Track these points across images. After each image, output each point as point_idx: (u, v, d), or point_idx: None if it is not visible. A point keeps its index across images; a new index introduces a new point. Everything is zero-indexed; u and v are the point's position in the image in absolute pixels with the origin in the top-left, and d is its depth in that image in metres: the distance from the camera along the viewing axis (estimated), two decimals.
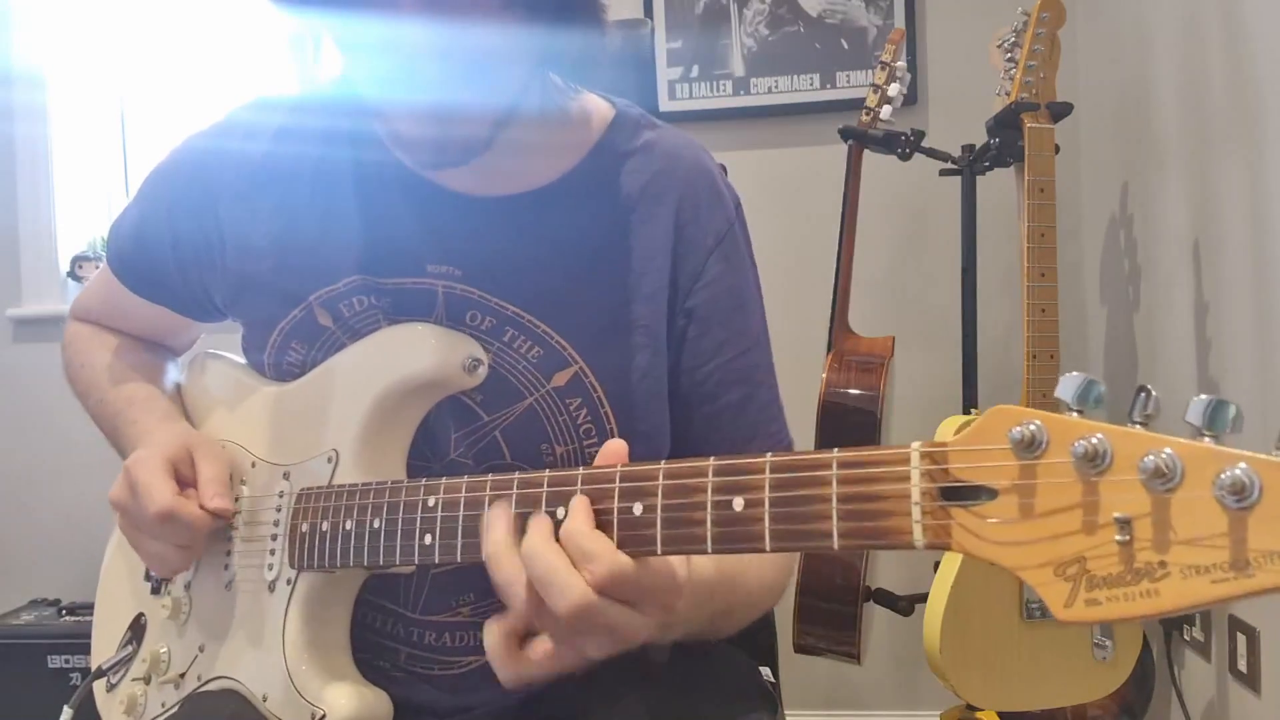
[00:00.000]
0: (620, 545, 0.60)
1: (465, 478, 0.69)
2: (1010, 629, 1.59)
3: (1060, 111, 1.70)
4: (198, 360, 0.97)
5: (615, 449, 0.64)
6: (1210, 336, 1.67)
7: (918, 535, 0.50)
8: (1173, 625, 1.83)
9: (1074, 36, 2.12)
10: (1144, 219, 1.94)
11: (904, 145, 1.92)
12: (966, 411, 1.88)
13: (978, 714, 1.74)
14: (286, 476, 0.82)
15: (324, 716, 0.74)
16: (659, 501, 0.59)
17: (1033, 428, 0.47)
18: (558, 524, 0.62)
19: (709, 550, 0.57)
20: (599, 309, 0.82)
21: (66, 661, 2.06)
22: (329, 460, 0.79)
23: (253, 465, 0.85)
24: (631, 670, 0.83)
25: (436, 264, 0.81)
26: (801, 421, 1.93)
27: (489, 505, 0.66)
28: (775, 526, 0.55)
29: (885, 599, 1.93)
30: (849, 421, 1.87)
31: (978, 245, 1.92)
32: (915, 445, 0.51)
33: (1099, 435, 0.45)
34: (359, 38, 0.75)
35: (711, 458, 0.58)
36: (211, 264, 0.88)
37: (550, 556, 0.59)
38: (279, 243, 0.84)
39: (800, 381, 2.02)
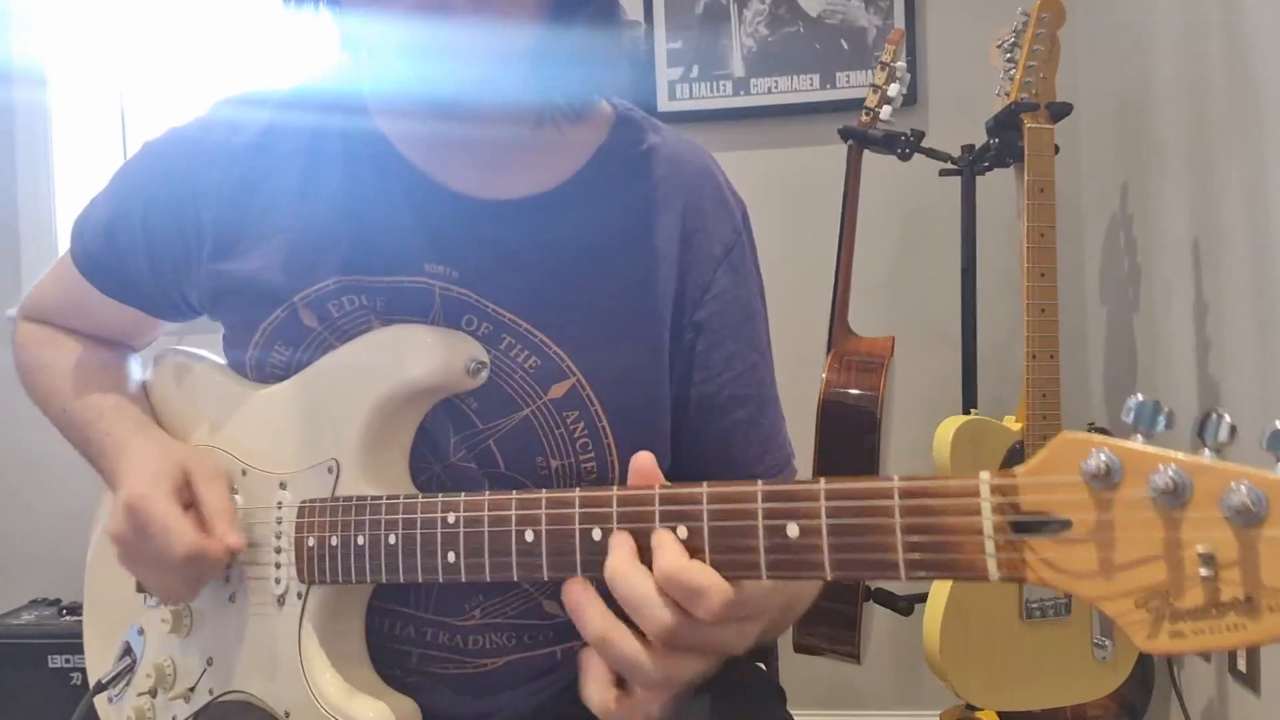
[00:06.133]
0: None
1: (486, 494, 0.67)
2: (1010, 629, 1.60)
3: (1060, 111, 1.70)
4: (166, 358, 0.93)
5: (646, 466, 0.62)
6: (1210, 337, 1.67)
7: (993, 569, 0.50)
8: None
9: (1074, 36, 2.12)
10: (1144, 219, 1.94)
11: (904, 145, 1.92)
12: (966, 412, 1.88)
13: (978, 714, 1.74)
14: (284, 486, 0.79)
15: None
16: (705, 525, 0.58)
17: (1105, 458, 0.47)
18: (594, 544, 0.60)
19: (763, 576, 0.56)
20: (600, 319, 0.80)
21: (67, 661, 2.06)
22: (330, 470, 0.76)
23: (243, 473, 0.82)
24: None
25: (434, 264, 0.79)
26: (802, 422, 1.93)
27: (515, 530, 0.64)
28: (836, 556, 0.54)
29: (885, 599, 1.92)
30: (849, 422, 1.87)
31: (978, 245, 1.92)
32: (984, 476, 0.51)
33: (1176, 469, 0.45)
34: (377, 38, 0.73)
35: (759, 482, 0.57)
36: (188, 263, 0.84)
37: (636, 581, 0.57)
38: (265, 242, 0.81)
39: (800, 382, 2.02)
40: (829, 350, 1.96)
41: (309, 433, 0.78)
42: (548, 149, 0.82)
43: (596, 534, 0.61)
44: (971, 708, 1.68)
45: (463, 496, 0.68)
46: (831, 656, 1.92)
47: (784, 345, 2.49)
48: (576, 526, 0.62)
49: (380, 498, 0.72)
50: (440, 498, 0.69)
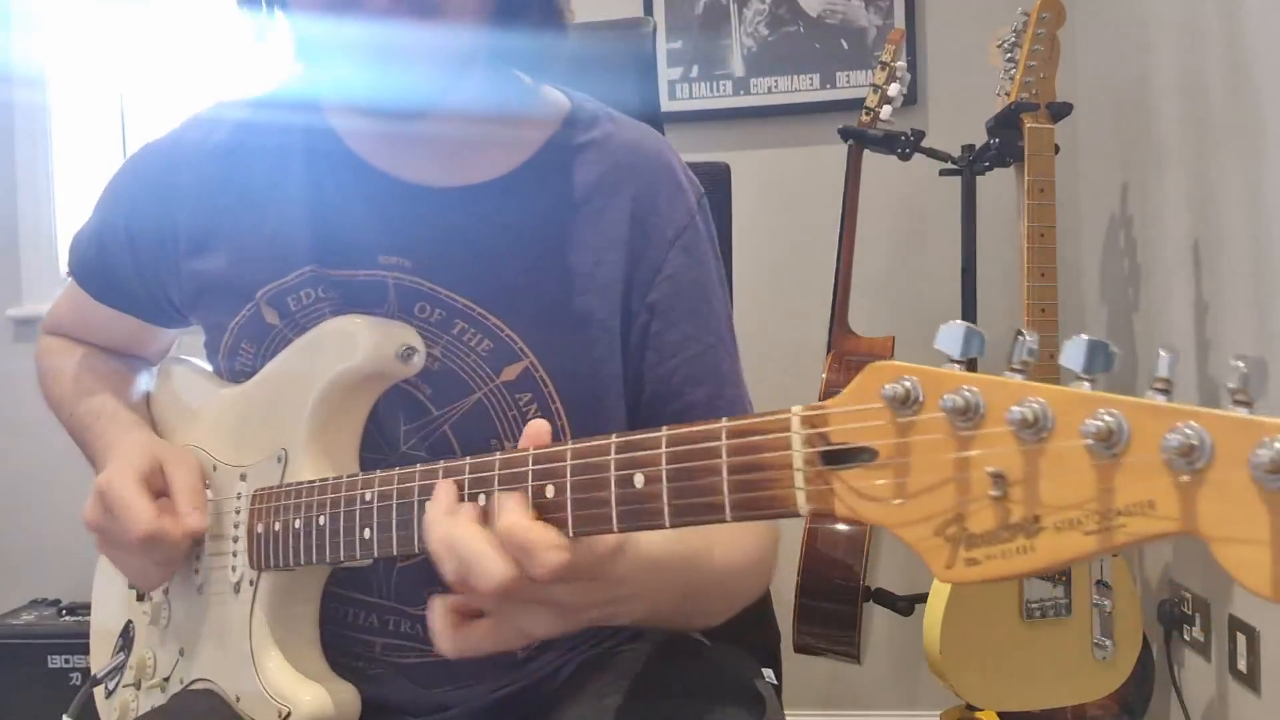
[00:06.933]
0: None
1: (397, 470, 0.69)
2: (1010, 629, 1.60)
3: (1060, 111, 1.71)
4: (164, 366, 0.98)
5: (535, 430, 0.63)
6: (1210, 337, 1.67)
7: (801, 503, 0.49)
8: (1173, 625, 1.83)
9: (1074, 36, 2.12)
10: (1144, 219, 1.94)
11: (904, 145, 1.92)
12: None
13: (978, 714, 1.74)
14: (243, 478, 0.82)
15: (289, 714, 0.75)
16: (568, 482, 0.59)
17: (907, 384, 0.46)
18: (483, 510, 0.62)
19: (615, 529, 0.57)
20: (551, 302, 0.81)
21: (66, 661, 2.06)
22: (279, 460, 0.79)
23: (215, 469, 0.85)
24: (613, 671, 0.83)
25: (388, 255, 0.81)
26: None
27: (417, 502, 0.66)
28: (673, 502, 0.55)
29: (885, 599, 1.93)
30: None
31: (978, 245, 1.92)
32: (796, 409, 0.50)
33: (970, 387, 0.44)
34: (315, 35, 0.76)
35: (614, 434, 0.58)
36: (169, 266, 0.88)
37: (470, 539, 0.59)
38: (232, 240, 0.84)
39: (800, 381, 2.02)
40: (829, 350, 1.96)
41: (264, 427, 0.82)
42: (500, 140, 0.84)
43: (481, 499, 0.62)
44: (971, 708, 1.68)
45: (378, 473, 0.70)
46: (831, 656, 1.92)
47: (784, 345, 2.48)
48: (465, 493, 0.63)
49: (315, 481, 0.75)
50: (360, 476, 0.72)
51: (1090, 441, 0.40)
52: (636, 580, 0.65)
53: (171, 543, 0.78)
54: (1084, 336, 0.42)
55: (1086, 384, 0.42)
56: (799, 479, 0.49)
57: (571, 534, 0.59)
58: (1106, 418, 0.40)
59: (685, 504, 0.54)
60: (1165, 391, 0.40)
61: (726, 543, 0.78)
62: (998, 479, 0.43)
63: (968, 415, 0.44)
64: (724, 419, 0.53)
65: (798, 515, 0.50)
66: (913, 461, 0.46)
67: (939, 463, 0.45)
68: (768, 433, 0.51)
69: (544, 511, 0.60)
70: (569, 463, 0.59)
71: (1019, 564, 0.42)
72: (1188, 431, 0.38)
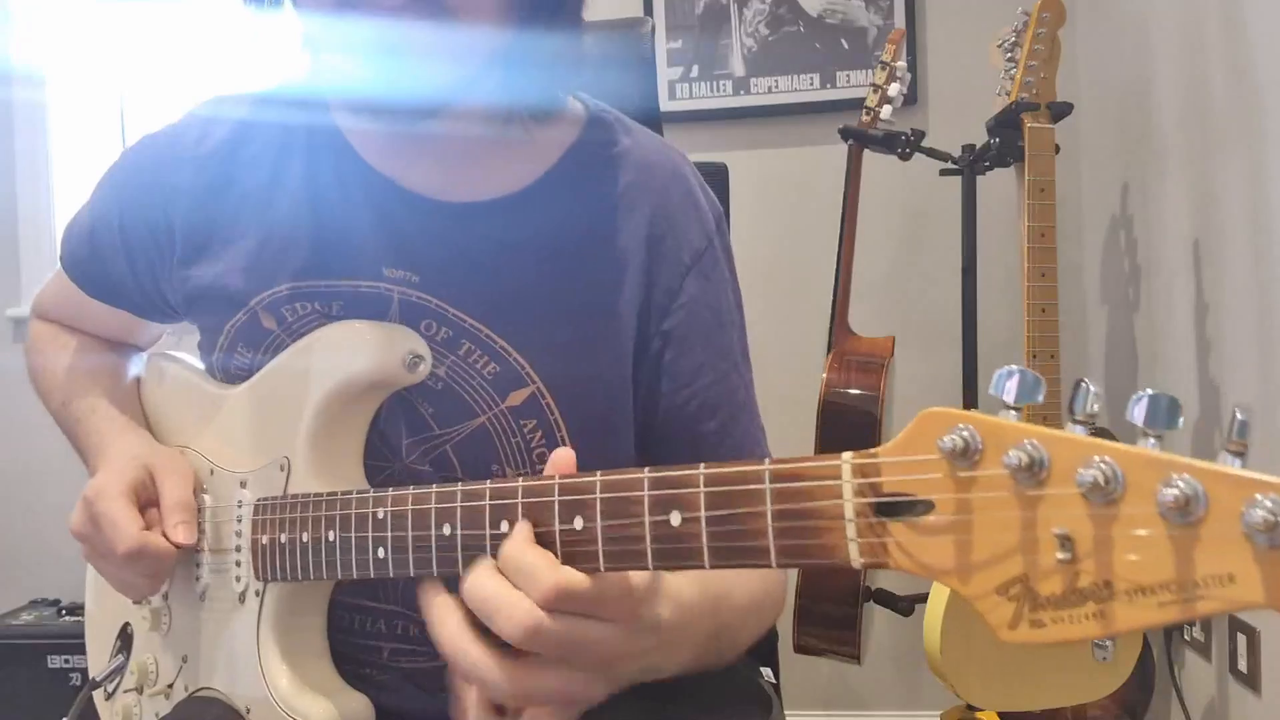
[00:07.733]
0: (565, 564, 0.58)
1: (411, 489, 0.67)
2: None
3: (1060, 111, 1.71)
4: (154, 362, 0.95)
5: (561, 459, 0.61)
6: (1210, 337, 1.67)
7: (854, 554, 0.48)
8: (1173, 625, 1.83)
9: (1074, 36, 2.12)
10: (1144, 219, 1.94)
11: (904, 145, 1.92)
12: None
13: (978, 714, 1.74)
14: (243, 485, 0.80)
15: None
16: (598, 514, 0.57)
17: (965, 434, 0.44)
18: (502, 537, 0.60)
19: (650, 567, 0.55)
20: (563, 326, 0.78)
21: (66, 661, 2.06)
22: (281, 468, 0.77)
23: (211, 473, 0.83)
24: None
25: (394, 268, 0.78)
26: (802, 422, 1.93)
27: (435, 524, 0.64)
28: (714, 544, 0.53)
29: (885, 599, 1.93)
30: (849, 422, 1.87)
31: (978, 245, 1.92)
32: (847, 456, 0.48)
33: (1033, 442, 0.42)
34: (327, 33, 0.73)
35: (646, 468, 0.56)
36: (163, 266, 0.85)
37: (489, 584, 0.57)
38: (229, 246, 0.82)
39: (800, 382, 2.02)
40: (829, 350, 1.96)
41: (264, 432, 0.80)
42: (514, 150, 0.81)
43: (504, 526, 0.60)
44: (972, 708, 1.68)
45: (390, 492, 0.68)
46: (832, 657, 1.92)
47: (784, 345, 2.48)
48: (486, 519, 0.62)
49: (323, 495, 0.73)
50: (372, 493, 0.69)
51: (1166, 510, 0.38)
52: (674, 626, 0.63)
53: (158, 557, 0.77)
54: (1148, 391, 0.40)
55: (1153, 440, 0.40)
56: (851, 530, 0.48)
57: (602, 568, 0.57)
58: (1181, 484, 0.38)
59: (727, 546, 0.52)
60: (1240, 455, 0.38)
61: (745, 580, 0.77)
62: (1065, 542, 0.41)
63: (1033, 472, 0.42)
64: (766, 460, 0.51)
65: (848, 566, 0.48)
66: (975, 519, 0.44)
67: (1002, 521, 0.43)
68: (816, 479, 0.49)
69: (572, 545, 0.58)
70: (599, 495, 0.57)
71: (1091, 629, 0.41)
72: (1269, 504, 0.36)
